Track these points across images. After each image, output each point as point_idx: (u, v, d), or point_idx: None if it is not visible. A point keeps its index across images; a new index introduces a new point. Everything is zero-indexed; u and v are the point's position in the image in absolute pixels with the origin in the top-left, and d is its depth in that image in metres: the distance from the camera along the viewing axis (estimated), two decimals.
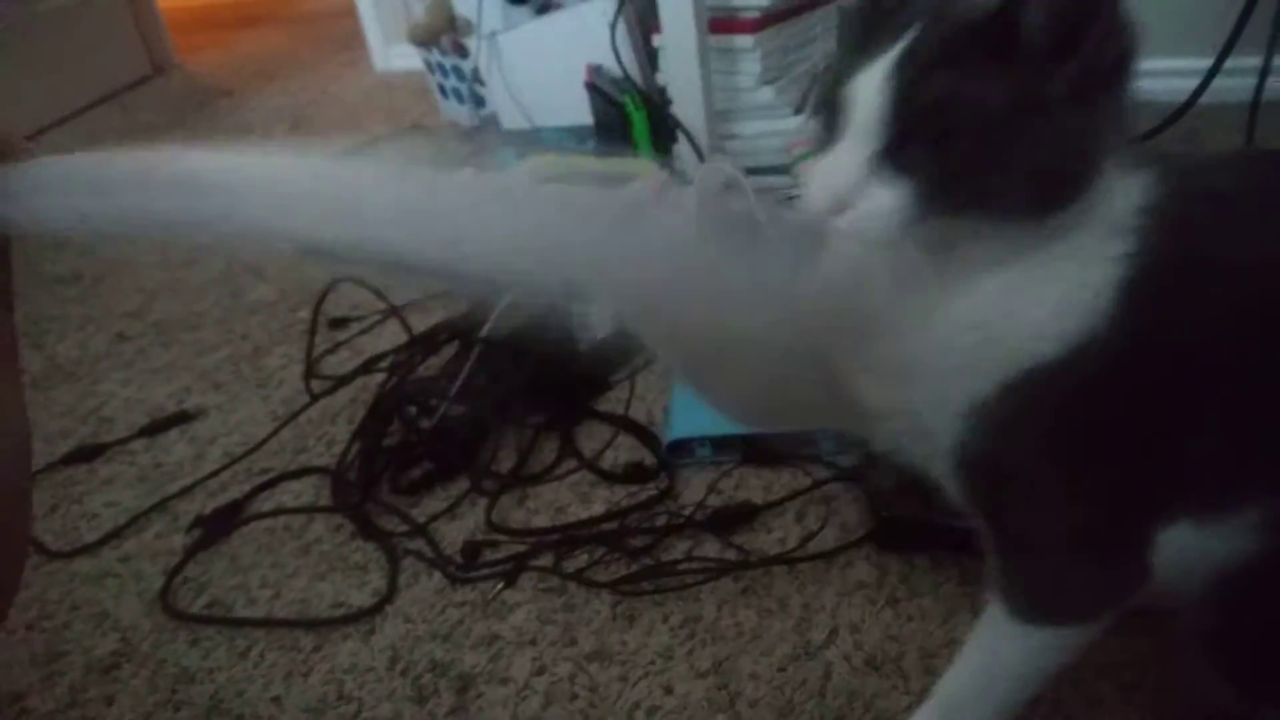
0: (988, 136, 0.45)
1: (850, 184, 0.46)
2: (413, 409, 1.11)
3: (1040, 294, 0.48)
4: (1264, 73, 1.45)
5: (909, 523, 0.88)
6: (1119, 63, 0.46)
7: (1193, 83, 1.54)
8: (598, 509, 1.00)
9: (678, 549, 0.94)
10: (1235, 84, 1.52)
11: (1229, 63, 1.49)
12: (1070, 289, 0.48)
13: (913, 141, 0.46)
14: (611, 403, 1.16)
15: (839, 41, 0.51)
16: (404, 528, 1.00)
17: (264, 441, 1.17)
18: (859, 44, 0.48)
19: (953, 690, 0.65)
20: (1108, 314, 0.47)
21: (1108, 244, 0.48)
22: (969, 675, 0.64)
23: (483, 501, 1.02)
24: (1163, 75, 1.79)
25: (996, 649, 0.62)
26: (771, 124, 1.70)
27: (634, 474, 1.03)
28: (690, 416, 1.04)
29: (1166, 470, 0.51)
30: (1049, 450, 0.52)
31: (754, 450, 1.02)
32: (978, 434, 0.52)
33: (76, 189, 0.33)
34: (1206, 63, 1.51)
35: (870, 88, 0.46)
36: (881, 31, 0.47)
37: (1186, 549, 0.53)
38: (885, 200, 0.46)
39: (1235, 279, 0.47)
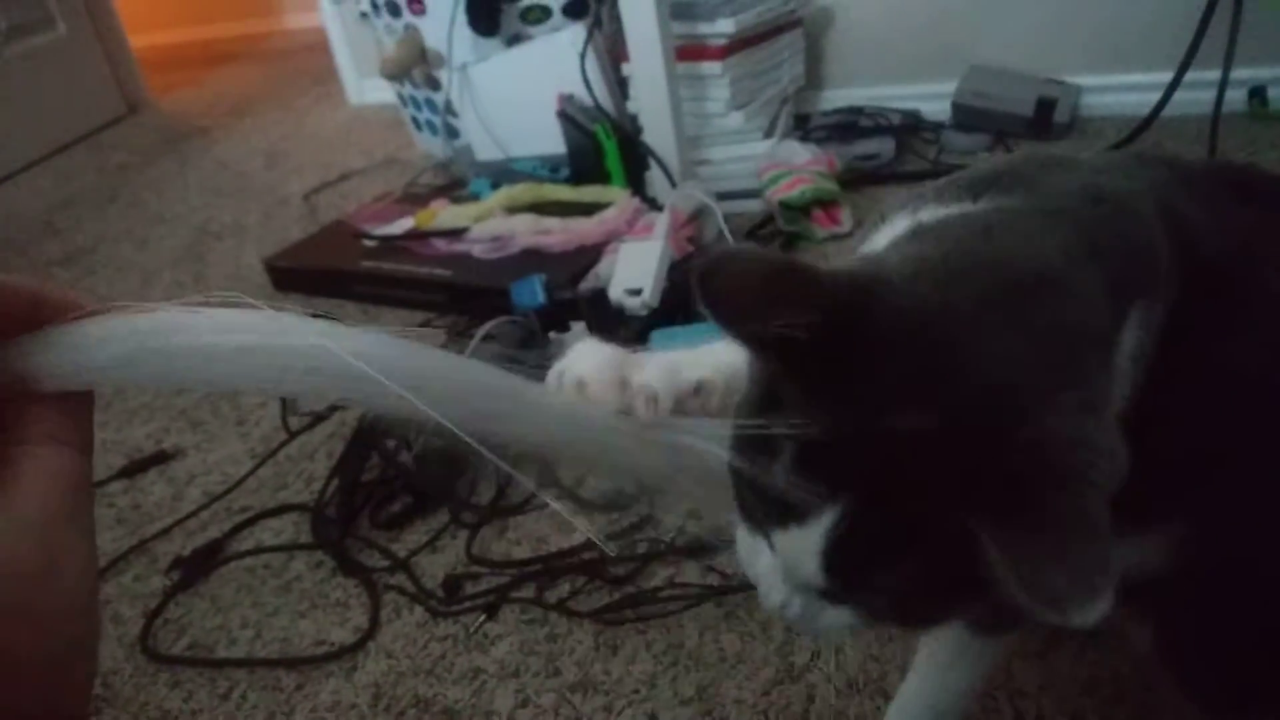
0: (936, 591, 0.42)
1: (796, 615, 0.45)
2: (391, 443, 1.11)
3: None
4: (1222, 85, 1.48)
5: None
6: None
7: (1154, 96, 1.57)
8: (578, 538, 0.99)
9: (659, 576, 0.94)
10: (1196, 97, 1.55)
11: (1189, 76, 1.51)
12: None
13: (856, 597, 0.44)
14: None
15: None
16: (385, 563, 1.00)
17: (243, 480, 1.16)
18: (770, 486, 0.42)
19: (911, 706, 0.67)
20: None
21: None
22: (928, 690, 0.66)
23: (463, 534, 1.02)
24: (1125, 90, 1.83)
25: (954, 663, 0.64)
26: (742, 149, 1.72)
27: (614, 501, 1.03)
28: None
29: None
30: None
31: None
32: None
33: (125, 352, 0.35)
34: (1167, 77, 1.54)
35: (801, 551, 0.41)
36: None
37: None
38: (838, 618, 0.45)
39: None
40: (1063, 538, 0.36)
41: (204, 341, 0.35)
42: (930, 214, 0.48)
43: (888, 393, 0.39)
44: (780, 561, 0.43)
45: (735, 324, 0.40)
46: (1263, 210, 0.53)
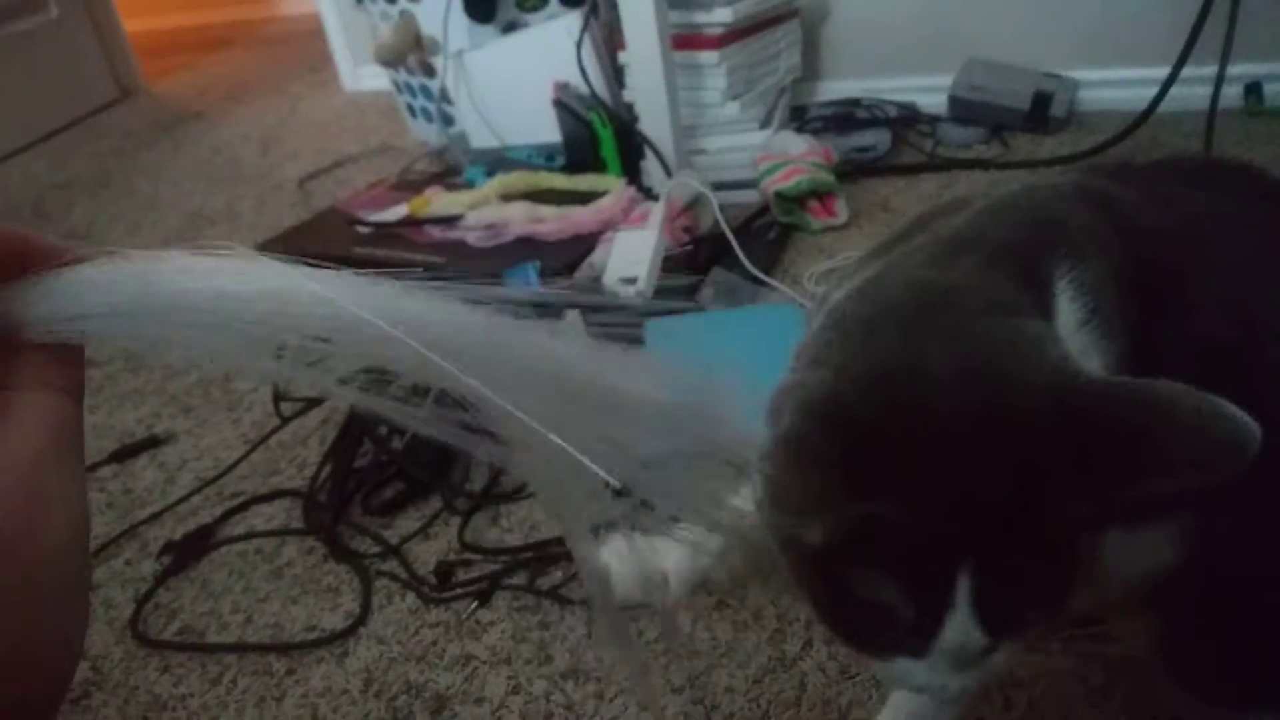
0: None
1: (974, 681, 0.46)
2: (384, 429, 1.10)
3: None
4: (1219, 81, 1.48)
5: None
6: None
7: (1151, 92, 1.58)
8: None
9: None
10: (1192, 92, 1.55)
11: (1185, 71, 1.52)
12: None
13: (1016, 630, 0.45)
14: None
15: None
16: (377, 549, 1.00)
17: (234, 465, 1.16)
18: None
19: (911, 699, 0.67)
20: None
21: None
22: None
23: (455, 521, 1.02)
24: (1122, 85, 1.84)
25: None
26: (738, 138, 1.71)
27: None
28: None
29: None
30: None
31: None
32: None
33: (111, 304, 0.34)
34: (1164, 72, 1.54)
35: (964, 632, 0.42)
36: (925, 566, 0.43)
37: (1116, 552, 0.56)
38: (1005, 657, 0.46)
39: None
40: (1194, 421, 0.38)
41: (203, 288, 0.34)
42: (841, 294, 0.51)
43: (902, 463, 0.41)
44: (946, 654, 0.44)
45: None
46: (1214, 191, 0.54)
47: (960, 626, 0.42)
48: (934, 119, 1.91)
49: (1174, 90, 1.54)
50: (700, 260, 1.41)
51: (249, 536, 1.05)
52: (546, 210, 1.56)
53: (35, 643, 0.31)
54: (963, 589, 0.41)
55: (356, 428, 1.12)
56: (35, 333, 0.34)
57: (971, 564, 0.40)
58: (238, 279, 0.34)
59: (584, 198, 1.58)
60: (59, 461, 0.33)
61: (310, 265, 0.35)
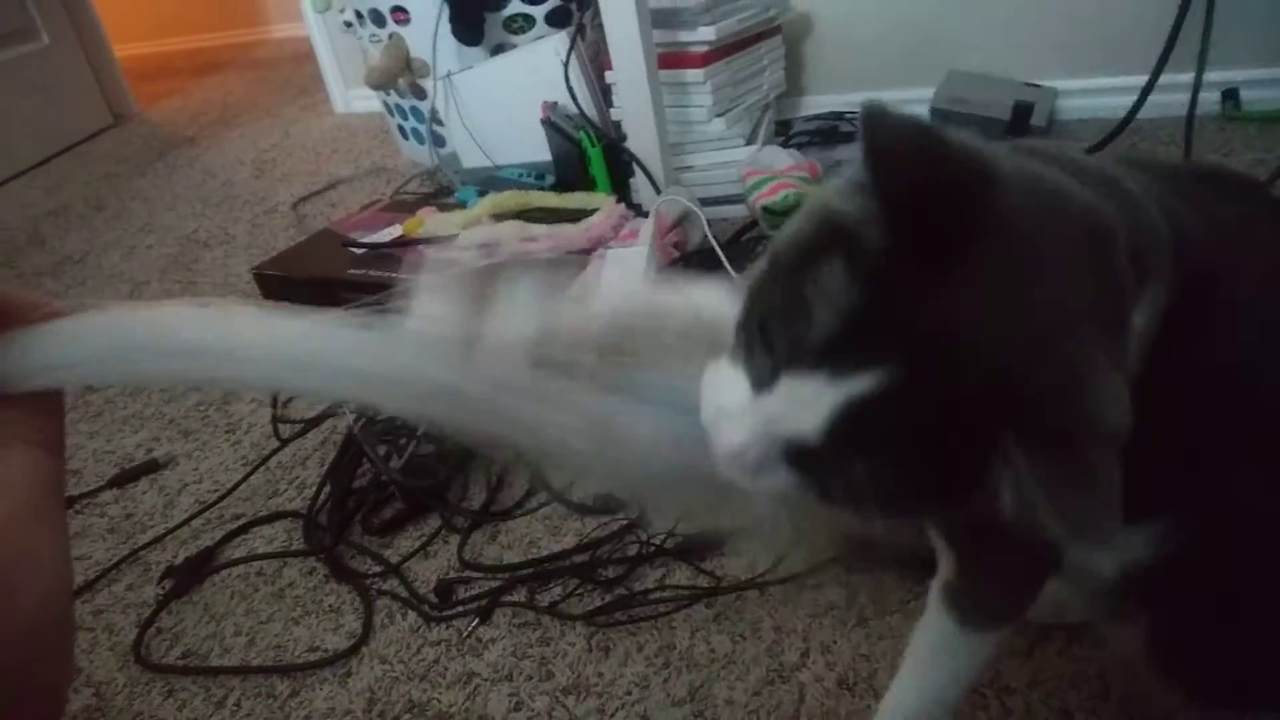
0: None
1: (745, 464, 0.43)
2: (382, 449, 1.11)
3: None
4: (1196, 88, 1.50)
5: (875, 542, 0.89)
6: None
7: (1130, 99, 1.59)
8: (569, 541, 1.00)
9: (650, 578, 0.95)
10: (1170, 99, 1.57)
11: (1163, 79, 1.54)
12: None
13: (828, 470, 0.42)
14: None
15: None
16: (377, 569, 1.01)
17: (234, 488, 1.17)
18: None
19: (902, 701, 0.68)
20: None
21: None
22: (918, 686, 0.67)
23: (455, 539, 1.03)
24: (1101, 93, 1.86)
25: (943, 658, 0.65)
26: (724, 154, 1.73)
27: (605, 504, 1.04)
28: None
29: None
30: None
31: None
32: None
33: (94, 354, 0.35)
34: (1142, 80, 1.56)
35: (814, 402, 0.39)
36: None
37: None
38: (780, 484, 0.43)
39: None
40: (1087, 466, 0.36)
41: (174, 338, 0.35)
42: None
43: (978, 288, 0.38)
44: (770, 405, 0.40)
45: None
46: (1242, 208, 0.55)
47: (822, 395, 0.38)
48: None
49: (1152, 97, 1.56)
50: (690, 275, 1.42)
51: (250, 559, 1.06)
52: (538, 229, 1.57)
53: (16, 693, 0.32)
54: (871, 377, 0.37)
55: (355, 448, 1.13)
56: (14, 386, 0.35)
57: (895, 373, 0.37)
58: (215, 323, 0.35)
59: (574, 216, 1.60)
60: (37, 519, 0.34)
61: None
